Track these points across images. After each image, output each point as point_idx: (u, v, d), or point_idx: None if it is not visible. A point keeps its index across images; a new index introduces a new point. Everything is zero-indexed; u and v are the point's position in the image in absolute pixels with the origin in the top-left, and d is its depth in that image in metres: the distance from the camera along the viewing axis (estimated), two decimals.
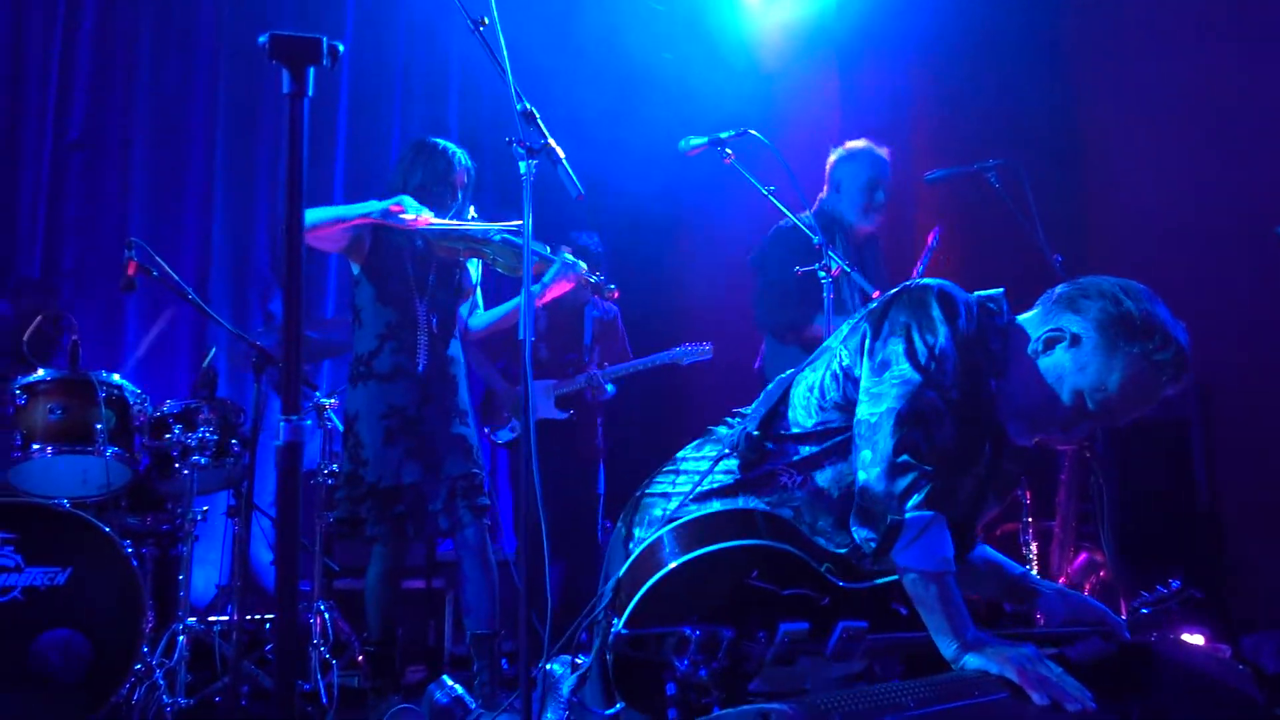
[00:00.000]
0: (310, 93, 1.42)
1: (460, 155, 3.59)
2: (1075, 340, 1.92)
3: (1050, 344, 1.94)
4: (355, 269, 3.55)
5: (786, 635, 1.69)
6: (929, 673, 1.78)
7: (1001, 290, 2.05)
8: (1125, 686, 1.91)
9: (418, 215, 3.34)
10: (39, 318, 3.91)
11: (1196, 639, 3.58)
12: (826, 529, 1.94)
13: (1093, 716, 1.71)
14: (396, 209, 3.32)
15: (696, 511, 1.91)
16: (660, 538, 1.76)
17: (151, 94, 5.14)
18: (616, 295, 3.59)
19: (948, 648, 1.78)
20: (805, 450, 1.99)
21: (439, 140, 3.63)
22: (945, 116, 5.31)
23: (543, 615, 2.15)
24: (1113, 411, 1.94)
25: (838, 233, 3.88)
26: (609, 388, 4.69)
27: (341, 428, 3.80)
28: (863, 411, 1.88)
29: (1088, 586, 3.96)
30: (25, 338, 3.76)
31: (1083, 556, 4.05)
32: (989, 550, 2.23)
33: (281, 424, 1.39)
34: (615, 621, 1.68)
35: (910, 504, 1.79)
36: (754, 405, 2.11)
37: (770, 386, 2.11)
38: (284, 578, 1.37)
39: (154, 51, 5.16)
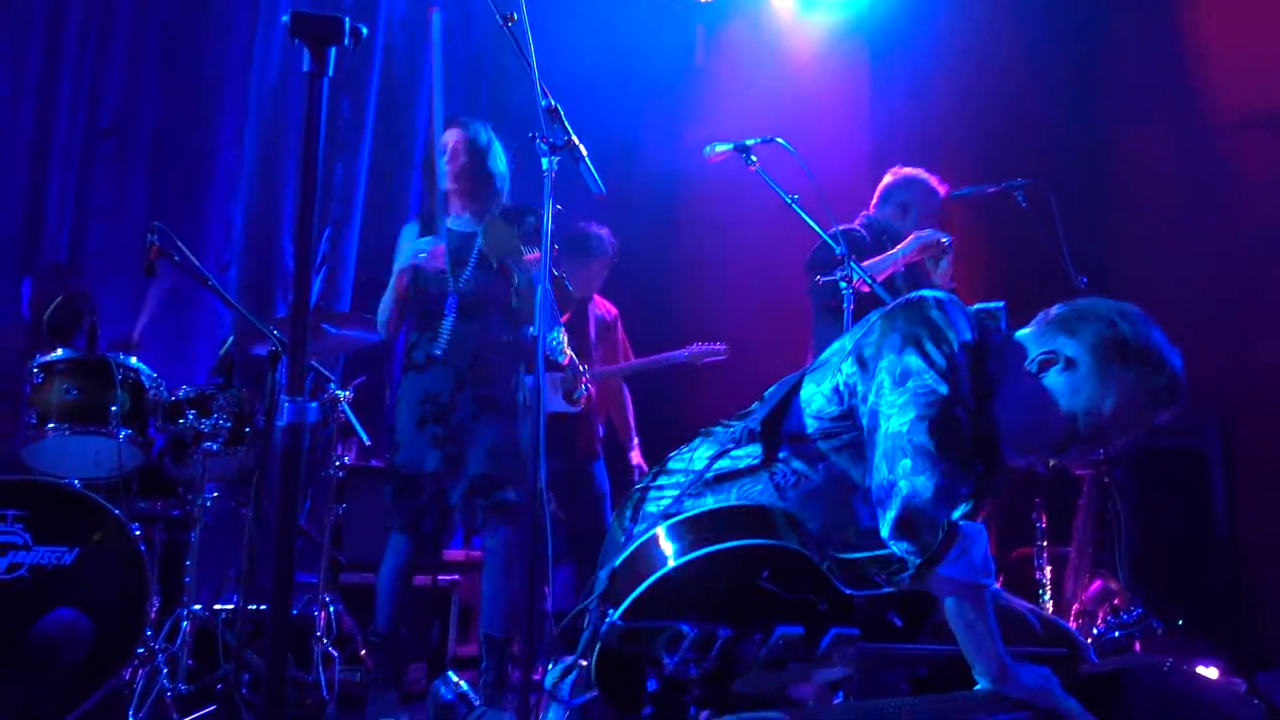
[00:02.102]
0: (330, 73, 1.41)
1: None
2: (1070, 364, 1.90)
3: (1045, 366, 1.92)
4: None
5: (782, 639, 1.65)
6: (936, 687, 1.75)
7: (1002, 304, 2.03)
8: (1135, 714, 1.88)
9: (434, 246, 3.43)
10: (59, 297, 3.94)
11: (1211, 672, 3.52)
12: (816, 534, 1.91)
13: None
14: (417, 260, 3.45)
15: (710, 504, 1.88)
16: (667, 529, 1.71)
17: (185, 82, 5.17)
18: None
19: (987, 664, 1.74)
20: (802, 451, 1.96)
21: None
22: (975, 133, 5.27)
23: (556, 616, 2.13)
24: (1104, 435, 1.92)
25: (892, 246, 3.90)
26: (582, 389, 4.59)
27: (361, 421, 3.83)
28: (894, 423, 1.84)
29: (1101, 614, 3.90)
30: (45, 316, 3.78)
31: (1097, 584, 3.99)
32: None
33: (285, 404, 1.37)
34: (610, 612, 1.64)
35: (957, 514, 1.77)
36: (754, 406, 2.09)
37: (772, 390, 2.09)
38: (281, 557, 1.36)
39: (190, 38, 5.19)
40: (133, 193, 4.99)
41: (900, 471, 1.80)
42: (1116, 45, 5.27)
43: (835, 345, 2.06)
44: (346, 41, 1.40)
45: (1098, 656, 2.14)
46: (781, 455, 1.98)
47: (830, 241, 3.27)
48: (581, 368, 4.26)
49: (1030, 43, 5.27)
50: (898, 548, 1.79)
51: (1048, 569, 3.93)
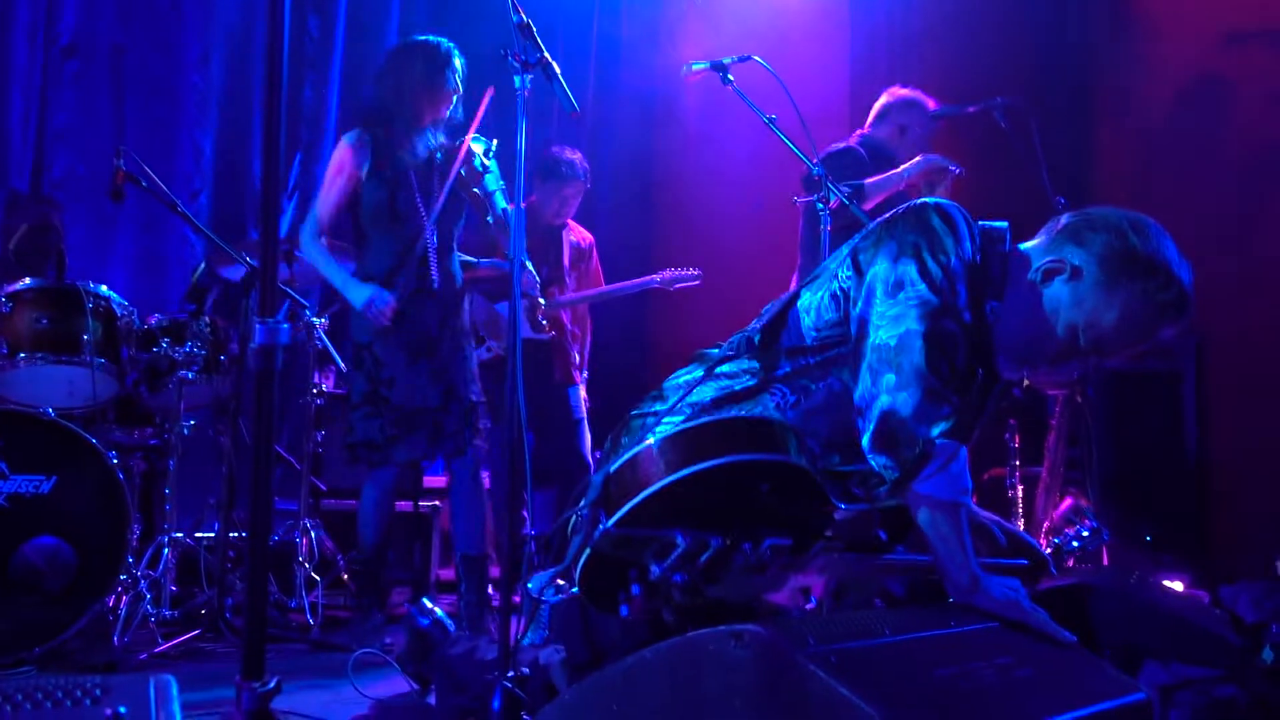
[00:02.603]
0: None
1: (452, 53, 3.51)
2: (1076, 273, 1.86)
3: (1049, 275, 1.89)
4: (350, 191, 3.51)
5: (770, 548, 1.66)
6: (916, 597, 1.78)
7: (1006, 224, 1.99)
8: (1100, 624, 1.92)
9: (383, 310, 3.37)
10: (24, 226, 3.86)
11: (1176, 585, 3.61)
12: (813, 448, 1.91)
13: (1068, 651, 1.72)
14: (373, 315, 3.37)
15: (714, 415, 1.87)
16: (669, 439, 1.68)
17: (145, 1, 5.01)
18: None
19: (958, 578, 1.75)
20: (802, 364, 1.95)
21: (429, 38, 3.54)
22: (956, 52, 5.21)
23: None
24: (1104, 348, 1.90)
25: (887, 167, 3.89)
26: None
27: (337, 348, 3.77)
28: (881, 334, 1.81)
29: (1071, 531, 3.99)
30: (11, 246, 3.71)
31: (1068, 502, 4.06)
32: None
33: (257, 325, 1.36)
34: (603, 517, 1.63)
35: (937, 431, 1.75)
36: (753, 322, 2.08)
37: (769, 306, 2.08)
38: (259, 477, 1.36)
39: None
40: (98, 117, 4.86)
41: (883, 385, 1.78)
42: None
43: (832, 256, 2.03)
44: None
45: (1056, 569, 2.18)
46: (780, 373, 1.96)
47: (807, 160, 3.24)
48: (540, 299, 4.20)
49: None
50: (875, 461, 1.79)
51: (1019, 488, 3.99)
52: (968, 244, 1.87)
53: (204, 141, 5.19)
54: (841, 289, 1.92)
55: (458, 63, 3.52)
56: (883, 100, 4.13)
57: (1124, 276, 1.83)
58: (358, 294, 3.41)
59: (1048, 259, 1.90)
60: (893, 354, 1.79)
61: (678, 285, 4.76)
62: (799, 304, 2.00)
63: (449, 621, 2.71)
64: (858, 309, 1.87)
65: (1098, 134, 5.20)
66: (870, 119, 4.14)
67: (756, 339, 1.99)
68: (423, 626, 2.74)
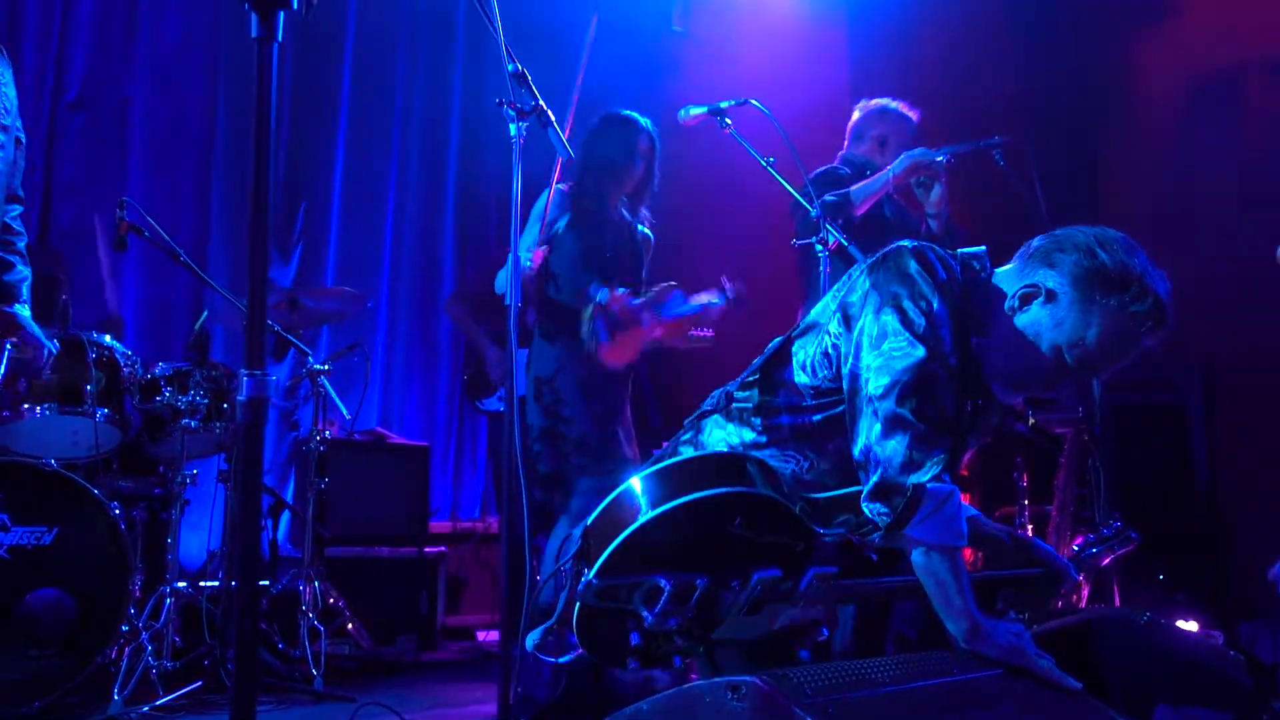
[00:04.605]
0: (279, 38, 1.38)
1: (643, 123, 3.55)
2: (1050, 296, 1.88)
3: (1026, 300, 1.91)
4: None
5: (760, 582, 1.65)
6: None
7: (984, 248, 2.01)
8: (1109, 666, 1.89)
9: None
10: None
11: (1190, 625, 3.55)
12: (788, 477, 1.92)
13: (1073, 699, 1.68)
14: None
15: (679, 456, 1.87)
16: (638, 482, 1.69)
17: (151, 53, 5.07)
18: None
19: (958, 625, 1.75)
20: (802, 424, 1.97)
21: (623, 111, 3.59)
22: (955, 97, 5.23)
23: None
24: (1093, 365, 1.90)
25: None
26: None
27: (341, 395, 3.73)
28: (869, 386, 1.83)
29: (1093, 535, 3.94)
30: None
31: (1079, 540, 4.01)
32: None
33: (244, 379, 1.35)
34: (586, 571, 1.62)
35: (928, 476, 1.75)
36: (743, 373, 2.08)
37: (757, 360, 2.07)
38: (245, 538, 1.34)
39: (155, 9, 5.10)
40: (104, 167, 4.92)
41: (874, 437, 1.80)
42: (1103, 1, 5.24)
43: (819, 305, 2.04)
44: (295, 5, 1.37)
45: (1077, 571, 2.14)
46: (782, 434, 1.97)
47: (804, 203, 3.24)
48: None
49: (1013, 2, 5.22)
50: (869, 509, 1.80)
51: (1029, 527, 3.95)
52: (948, 284, 1.89)
53: (209, 191, 5.24)
54: (834, 345, 1.94)
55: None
56: (855, 116, 4.05)
57: (1097, 293, 1.85)
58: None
59: (1022, 285, 1.92)
60: (879, 403, 1.81)
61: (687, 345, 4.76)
62: (794, 359, 2.01)
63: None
64: (849, 365, 1.89)
65: (1099, 166, 5.20)
66: (847, 138, 4.06)
67: (755, 395, 2.00)
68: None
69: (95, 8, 4.94)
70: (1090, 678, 1.75)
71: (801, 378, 1.97)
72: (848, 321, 1.91)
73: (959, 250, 2.00)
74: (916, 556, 1.77)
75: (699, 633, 1.69)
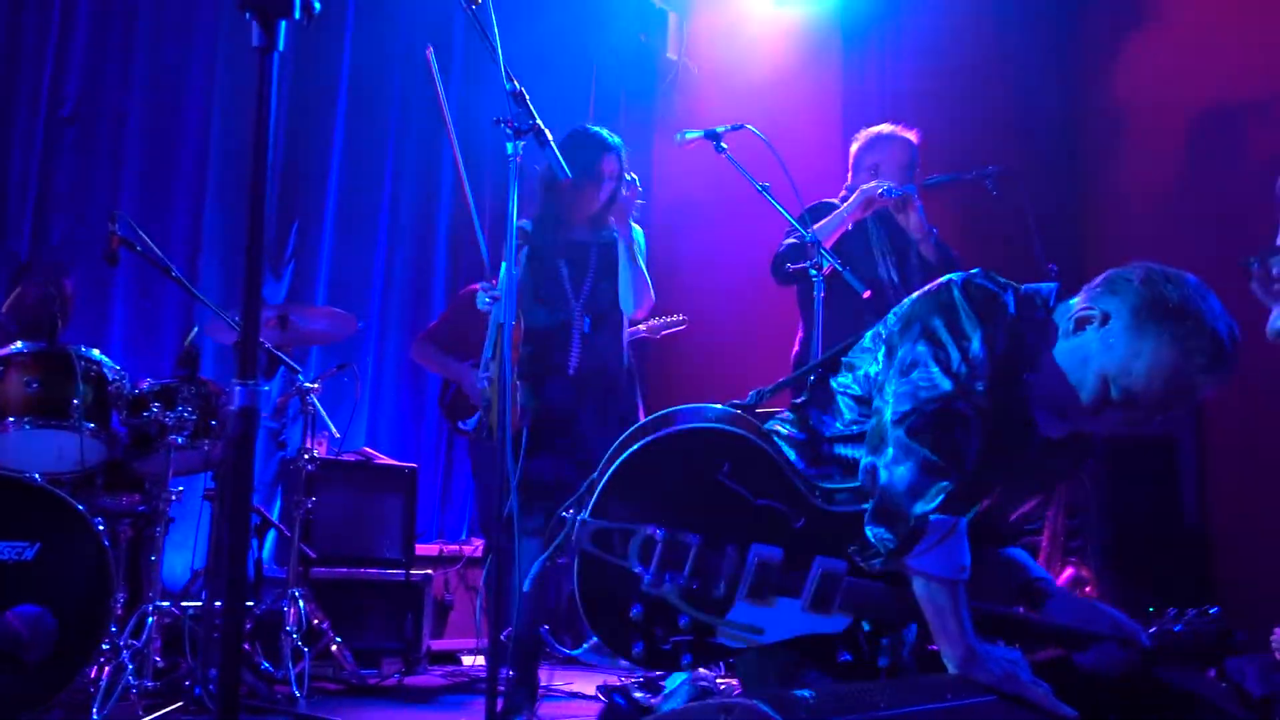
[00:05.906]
0: (280, 48, 1.37)
1: (612, 141, 3.42)
2: (1104, 319, 1.83)
3: (1082, 324, 1.86)
4: None
5: (758, 559, 1.64)
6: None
7: (1055, 285, 1.97)
8: (1103, 696, 1.88)
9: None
10: (18, 289, 3.86)
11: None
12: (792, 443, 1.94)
13: None
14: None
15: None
16: (634, 429, 1.73)
17: (147, 69, 5.08)
18: None
19: (952, 653, 1.74)
20: (847, 458, 1.96)
21: (588, 126, 3.49)
22: (948, 125, 5.27)
23: None
24: (1138, 400, 1.81)
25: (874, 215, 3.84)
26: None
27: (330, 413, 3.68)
28: (888, 411, 1.83)
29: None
30: (4, 308, 3.70)
31: (1069, 571, 4.00)
32: (1016, 549, 2.17)
33: (236, 388, 1.34)
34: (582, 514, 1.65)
35: (932, 507, 1.75)
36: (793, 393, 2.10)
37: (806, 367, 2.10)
38: (234, 548, 1.33)
39: (152, 27, 5.10)
40: (97, 181, 4.91)
41: (882, 459, 1.80)
42: (1094, 32, 5.29)
43: (870, 333, 2.02)
44: (298, 15, 1.37)
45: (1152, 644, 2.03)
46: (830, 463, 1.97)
47: (799, 227, 3.25)
48: None
49: (1005, 34, 5.27)
50: (872, 533, 1.79)
51: None
52: (998, 319, 1.85)
53: (202, 206, 5.23)
54: (875, 373, 1.94)
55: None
56: (853, 148, 4.06)
57: (1151, 321, 1.79)
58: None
59: (1081, 309, 1.88)
60: (893, 429, 1.80)
61: (664, 332, 4.78)
62: (838, 388, 2.01)
63: (642, 695, 2.64)
64: (882, 390, 1.89)
65: (1090, 197, 5.24)
66: (849, 170, 4.07)
67: (799, 419, 2.01)
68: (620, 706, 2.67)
69: (92, 23, 4.94)
70: (1085, 709, 1.74)
71: (848, 413, 1.98)
72: (890, 351, 1.91)
73: (1027, 285, 1.96)
74: (917, 584, 1.77)
75: (705, 609, 1.68)
